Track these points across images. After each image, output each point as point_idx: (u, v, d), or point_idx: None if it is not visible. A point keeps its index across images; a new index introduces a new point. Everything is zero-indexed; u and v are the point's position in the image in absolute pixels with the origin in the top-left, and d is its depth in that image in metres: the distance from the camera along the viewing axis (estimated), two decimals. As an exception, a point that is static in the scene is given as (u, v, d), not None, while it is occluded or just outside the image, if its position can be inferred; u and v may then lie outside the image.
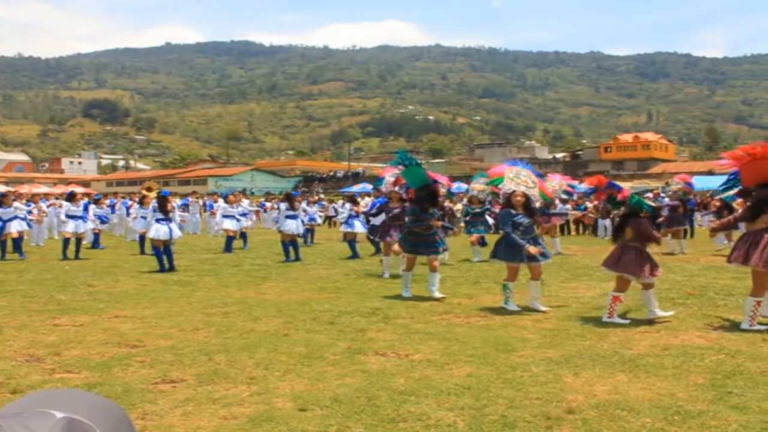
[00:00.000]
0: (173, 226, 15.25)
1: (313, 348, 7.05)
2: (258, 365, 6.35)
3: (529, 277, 9.57)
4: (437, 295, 10.48)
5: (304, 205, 22.49)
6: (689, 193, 22.05)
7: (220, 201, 24.12)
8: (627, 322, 8.43)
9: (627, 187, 21.74)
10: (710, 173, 60.01)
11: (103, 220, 21.86)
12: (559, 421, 4.77)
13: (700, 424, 4.72)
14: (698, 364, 6.39)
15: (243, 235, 21.09)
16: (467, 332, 7.91)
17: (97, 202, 22.58)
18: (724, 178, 10.03)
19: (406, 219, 11.36)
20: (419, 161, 11.32)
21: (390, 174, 14.19)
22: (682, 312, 9.07)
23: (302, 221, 22.72)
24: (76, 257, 17.29)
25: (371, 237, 16.84)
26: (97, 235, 21.06)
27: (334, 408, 5.07)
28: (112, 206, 26.86)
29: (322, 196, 49.27)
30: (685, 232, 21.47)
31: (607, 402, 5.20)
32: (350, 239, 18.05)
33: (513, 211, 9.44)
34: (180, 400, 5.30)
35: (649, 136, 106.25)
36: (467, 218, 17.68)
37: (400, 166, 11.08)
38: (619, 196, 9.58)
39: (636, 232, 8.74)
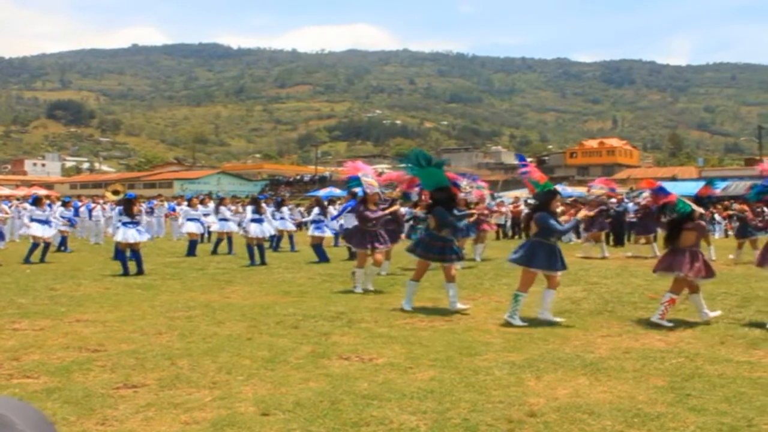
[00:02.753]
0: (140, 229, 15.15)
1: (276, 352, 7.02)
2: (221, 369, 6.31)
3: (546, 287, 9.06)
4: (460, 306, 9.75)
5: (285, 209, 22.25)
6: (612, 197, 23.80)
7: (184, 204, 23.81)
8: (671, 325, 8.48)
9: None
10: (673, 179, 60.86)
11: (72, 222, 21.58)
12: (520, 425, 4.81)
13: (659, 426, 4.79)
14: (658, 367, 6.48)
15: (229, 239, 20.57)
16: (431, 336, 7.94)
17: (65, 204, 22.30)
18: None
19: (432, 223, 10.06)
20: (440, 161, 10.50)
21: (369, 179, 12.54)
22: (644, 315, 9.19)
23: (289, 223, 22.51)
24: (42, 261, 17.05)
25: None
26: (64, 238, 20.81)
27: (297, 412, 5.06)
28: (76, 209, 26.50)
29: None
30: (607, 235, 22.35)
31: (568, 405, 5.25)
32: (316, 243, 17.99)
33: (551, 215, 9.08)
34: (141, 404, 5.25)
35: (614, 141, 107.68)
36: (410, 222, 16.45)
37: (410, 165, 10.17)
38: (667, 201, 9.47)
39: (699, 232, 8.92)
